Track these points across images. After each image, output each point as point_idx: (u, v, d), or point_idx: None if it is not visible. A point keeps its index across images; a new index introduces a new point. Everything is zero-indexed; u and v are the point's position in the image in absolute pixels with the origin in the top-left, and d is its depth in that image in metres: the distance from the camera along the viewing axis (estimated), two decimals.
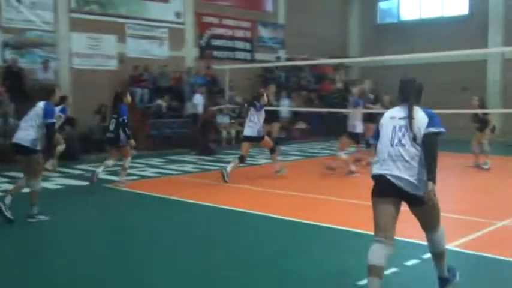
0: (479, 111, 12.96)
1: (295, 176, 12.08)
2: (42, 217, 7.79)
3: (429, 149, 4.42)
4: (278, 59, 22.65)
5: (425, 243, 6.25)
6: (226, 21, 21.26)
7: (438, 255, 4.85)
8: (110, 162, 10.54)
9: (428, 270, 5.57)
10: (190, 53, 20.13)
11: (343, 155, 11.96)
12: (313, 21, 24.50)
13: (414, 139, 4.46)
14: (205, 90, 17.76)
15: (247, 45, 22.02)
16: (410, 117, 4.49)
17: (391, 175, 4.45)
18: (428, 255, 5.86)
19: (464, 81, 22.06)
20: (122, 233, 7.35)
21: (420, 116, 4.52)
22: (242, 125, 19.28)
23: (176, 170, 12.94)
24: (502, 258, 5.89)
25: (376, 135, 4.76)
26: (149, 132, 17.52)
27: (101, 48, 17.67)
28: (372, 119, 13.07)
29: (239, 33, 21.72)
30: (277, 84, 21.53)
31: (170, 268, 5.69)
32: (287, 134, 20.80)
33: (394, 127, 4.56)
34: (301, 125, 22.09)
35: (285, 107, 20.58)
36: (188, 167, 13.35)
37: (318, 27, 24.69)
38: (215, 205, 8.86)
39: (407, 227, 7.22)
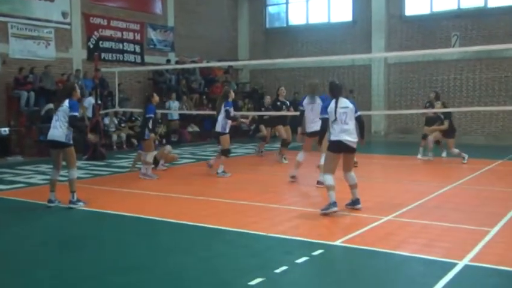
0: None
1: (186, 179, 12.06)
2: (81, 203, 8.92)
3: (361, 124, 8.34)
4: (168, 61, 22.51)
5: (314, 240, 6.51)
6: (115, 23, 20.80)
7: (354, 185, 8.36)
8: None
9: (317, 267, 5.77)
10: (78, 54, 19.53)
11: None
12: (202, 24, 24.57)
13: (351, 118, 8.10)
14: (94, 93, 17.16)
15: (137, 48, 21.66)
16: (336, 107, 8.07)
17: (345, 140, 8.00)
18: (318, 251, 6.10)
19: (351, 84, 22.98)
20: None
21: (350, 105, 8.13)
22: (132, 128, 19.13)
23: (65, 176, 12.43)
24: (385, 250, 6.20)
25: (325, 112, 8.35)
26: (37, 138, 16.78)
27: None
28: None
29: (128, 36, 21.33)
30: (167, 87, 21.46)
31: (40, 275, 5.55)
32: (178, 137, 20.74)
33: (341, 113, 8.03)
34: (192, 128, 22.10)
35: (176, 110, 20.57)
36: (78, 173, 12.86)
37: (208, 30, 24.79)
38: (98, 210, 8.67)
39: (297, 226, 7.44)
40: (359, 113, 8.28)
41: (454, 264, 5.59)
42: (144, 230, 7.53)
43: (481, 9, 21.37)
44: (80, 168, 13.65)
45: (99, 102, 16.89)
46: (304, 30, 25.21)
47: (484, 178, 11.93)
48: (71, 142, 8.85)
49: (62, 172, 9.30)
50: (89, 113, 16.87)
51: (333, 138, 8.10)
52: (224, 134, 12.20)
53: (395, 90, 22.85)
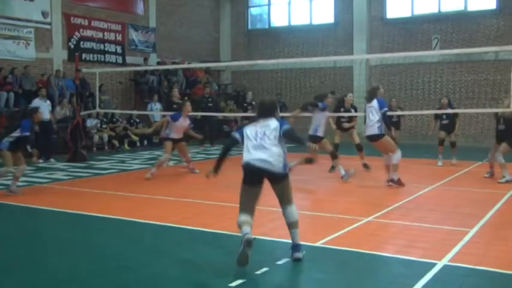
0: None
1: (167, 181, 12.03)
2: None
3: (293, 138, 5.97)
4: (145, 60, 22.20)
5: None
6: (96, 23, 20.66)
7: (293, 224, 5.93)
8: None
9: (299, 268, 5.78)
10: (58, 54, 19.37)
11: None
12: (185, 26, 24.51)
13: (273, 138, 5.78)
14: (45, 94, 16.46)
15: (118, 48, 21.55)
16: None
17: (256, 159, 5.73)
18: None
19: (333, 86, 23.05)
20: None
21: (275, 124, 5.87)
22: (114, 130, 19.03)
23: (46, 178, 12.37)
24: (365, 251, 6.24)
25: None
26: None
27: None
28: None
29: (110, 36, 21.21)
30: (149, 88, 21.35)
31: (18, 278, 5.50)
32: (160, 139, 20.62)
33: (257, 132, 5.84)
34: None
35: (158, 111, 20.46)
36: (58, 175, 12.82)
37: (190, 31, 24.74)
38: (79, 212, 8.59)
39: (278, 227, 7.45)
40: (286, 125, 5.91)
41: (434, 265, 5.64)
42: (126, 232, 7.49)
43: (461, 12, 21.58)
44: (60, 170, 13.63)
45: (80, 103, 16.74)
46: (286, 31, 25.25)
47: (463, 179, 12.05)
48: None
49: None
50: (43, 116, 15.68)
51: (243, 158, 5.88)
52: (382, 135, 10.67)
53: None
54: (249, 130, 5.90)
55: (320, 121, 11.39)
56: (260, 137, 5.77)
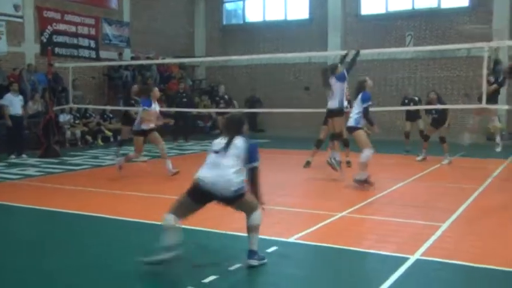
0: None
1: (140, 177, 11.94)
2: None
3: (253, 178, 5.66)
4: (120, 55, 22.04)
5: (268, 237, 6.50)
6: (69, 17, 20.39)
7: (254, 227, 5.61)
8: None
9: (271, 264, 5.77)
10: (30, 48, 19.10)
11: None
12: (159, 20, 24.34)
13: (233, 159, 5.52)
14: (17, 88, 16.08)
15: (92, 43, 21.31)
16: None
17: (205, 177, 5.56)
18: (272, 248, 6.12)
19: (308, 81, 23.14)
20: None
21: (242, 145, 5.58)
22: (87, 125, 18.83)
23: (17, 174, 12.18)
24: (338, 247, 6.27)
25: None
26: None
27: None
28: None
29: (83, 30, 20.96)
30: (123, 83, 21.17)
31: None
32: None
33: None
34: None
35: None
36: (30, 171, 12.64)
37: (164, 26, 24.59)
38: (51, 209, 8.47)
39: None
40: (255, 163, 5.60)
41: (406, 259, 5.68)
42: (98, 229, 7.41)
43: (435, 9, 21.80)
44: (32, 165, 13.45)
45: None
46: (261, 27, 25.24)
47: (435, 175, 12.17)
48: None
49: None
50: (15, 111, 15.18)
51: (197, 173, 5.69)
52: (357, 128, 10.33)
53: (350, 88, 23.03)
54: (213, 144, 5.67)
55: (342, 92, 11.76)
56: (221, 154, 5.48)
